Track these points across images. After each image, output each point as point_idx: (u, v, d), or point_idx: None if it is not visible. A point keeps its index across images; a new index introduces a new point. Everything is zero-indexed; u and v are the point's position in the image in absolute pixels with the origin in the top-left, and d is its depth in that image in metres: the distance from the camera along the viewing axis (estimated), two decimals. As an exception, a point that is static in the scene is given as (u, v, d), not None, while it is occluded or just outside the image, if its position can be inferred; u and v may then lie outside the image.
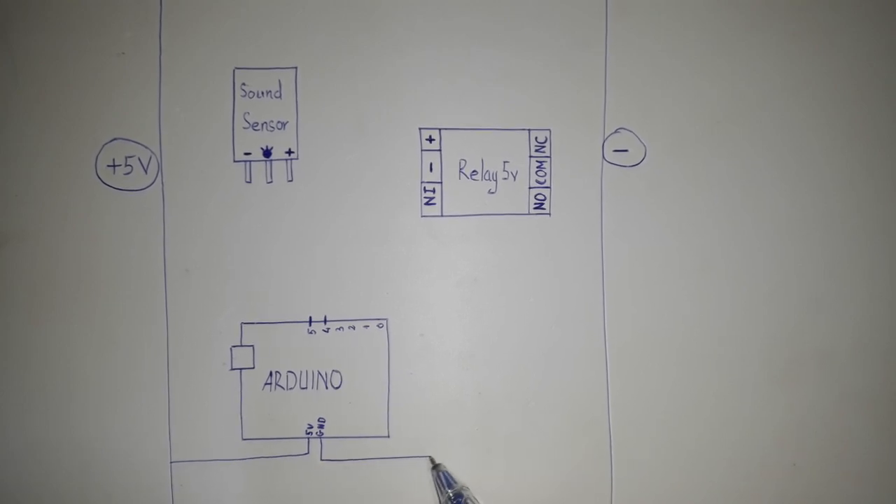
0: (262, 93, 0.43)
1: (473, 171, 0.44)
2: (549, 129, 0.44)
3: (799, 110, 0.45)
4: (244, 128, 0.43)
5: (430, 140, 0.44)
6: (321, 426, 0.43)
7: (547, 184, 0.44)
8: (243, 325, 0.43)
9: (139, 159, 0.43)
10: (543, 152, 0.44)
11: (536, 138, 0.44)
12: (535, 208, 0.44)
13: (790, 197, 0.45)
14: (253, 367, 0.43)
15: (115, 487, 0.43)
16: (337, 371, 0.43)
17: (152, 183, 0.43)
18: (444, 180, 0.44)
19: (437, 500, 0.43)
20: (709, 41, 0.45)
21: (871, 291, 0.45)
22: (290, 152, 0.43)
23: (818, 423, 0.45)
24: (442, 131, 0.44)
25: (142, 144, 0.43)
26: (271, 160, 0.43)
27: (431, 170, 0.44)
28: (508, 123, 0.44)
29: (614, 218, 0.44)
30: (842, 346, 0.45)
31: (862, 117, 0.45)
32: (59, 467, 0.43)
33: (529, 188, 0.44)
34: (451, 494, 0.42)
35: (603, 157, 0.44)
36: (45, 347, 0.43)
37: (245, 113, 0.43)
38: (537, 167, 0.44)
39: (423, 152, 0.44)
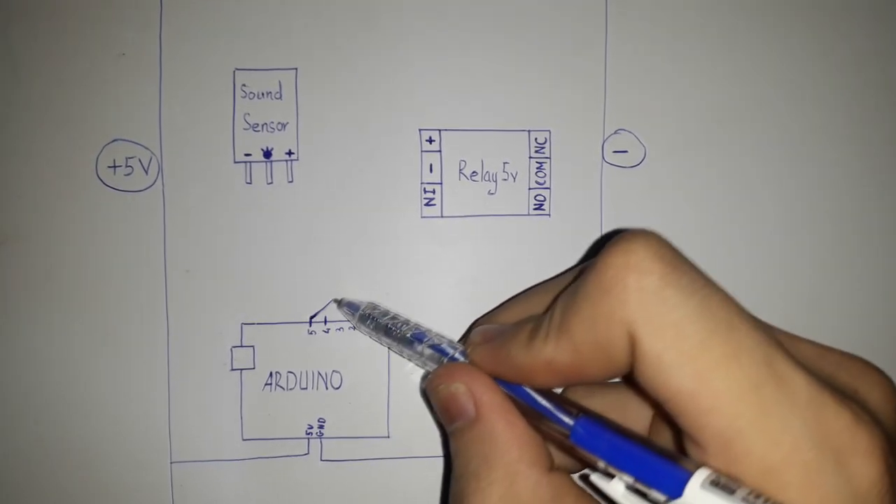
0: (263, 94, 0.43)
1: (473, 172, 0.44)
2: (548, 131, 0.44)
3: (799, 110, 0.45)
4: (244, 129, 0.43)
5: (430, 141, 0.44)
6: (321, 426, 0.43)
7: (547, 185, 0.44)
8: (244, 326, 0.43)
9: (139, 160, 0.43)
10: (543, 153, 0.44)
11: (536, 139, 0.44)
12: (535, 209, 0.44)
13: (791, 197, 0.45)
14: (253, 368, 0.43)
15: (114, 487, 0.43)
16: (337, 371, 0.43)
17: (153, 184, 0.43)
18: (443, 181, 0.44)
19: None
20: (709, 41, 0.45)
21: (871, 291, 0.45)
22: (290, 153, 0.43)
23: (817, 424, 0.45)
24: (442, 132, 0.44)
25: (142, 145, 0.43)
26: (271, 161, 0.43)
27: (431, 171, 0.44)
28: (508, 124, 0.44)
29: (614, 219, 0.44)
30: (841, 347, 0.45)
31: (862, 117, 0.45)
32: (59, 467, 0.43)
33: (529, 189, 0.44)
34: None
35: (602, 157, 0.44)
36: (45, 347, 0.43)
37: (245, 114, 0.43)
38: (537, 168, 0.44)
39: (423, 153, 0.44)
